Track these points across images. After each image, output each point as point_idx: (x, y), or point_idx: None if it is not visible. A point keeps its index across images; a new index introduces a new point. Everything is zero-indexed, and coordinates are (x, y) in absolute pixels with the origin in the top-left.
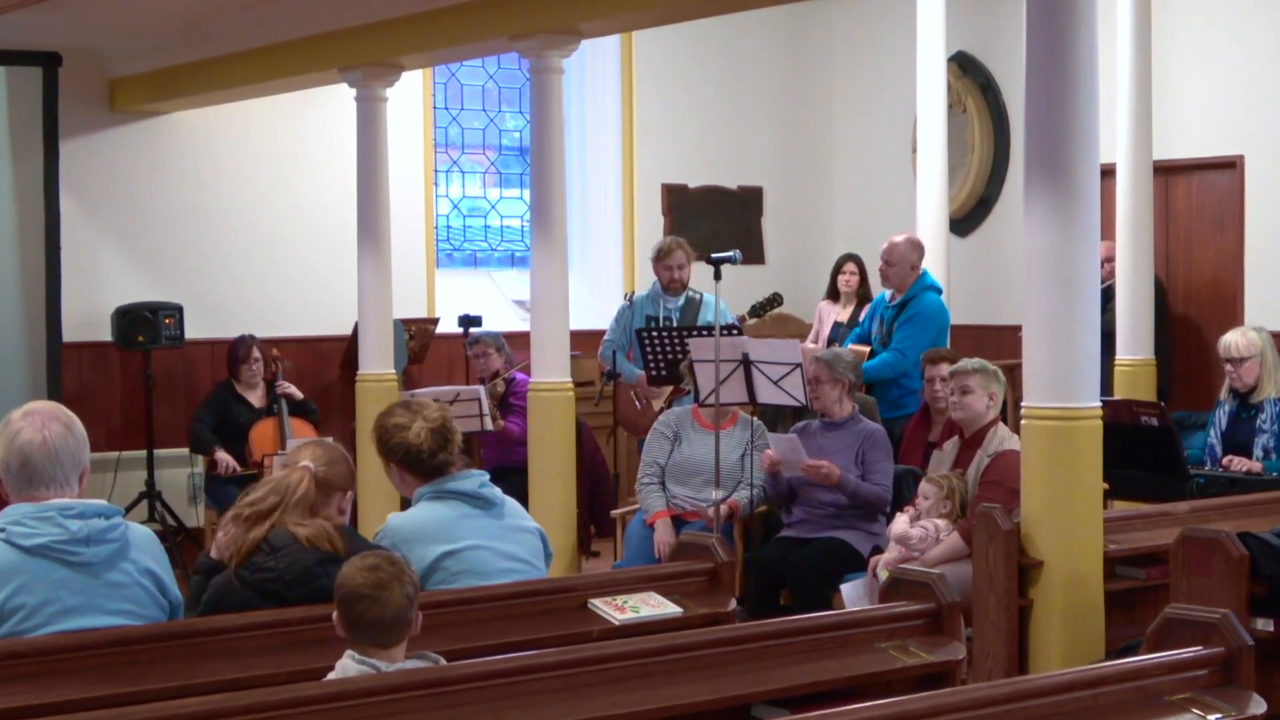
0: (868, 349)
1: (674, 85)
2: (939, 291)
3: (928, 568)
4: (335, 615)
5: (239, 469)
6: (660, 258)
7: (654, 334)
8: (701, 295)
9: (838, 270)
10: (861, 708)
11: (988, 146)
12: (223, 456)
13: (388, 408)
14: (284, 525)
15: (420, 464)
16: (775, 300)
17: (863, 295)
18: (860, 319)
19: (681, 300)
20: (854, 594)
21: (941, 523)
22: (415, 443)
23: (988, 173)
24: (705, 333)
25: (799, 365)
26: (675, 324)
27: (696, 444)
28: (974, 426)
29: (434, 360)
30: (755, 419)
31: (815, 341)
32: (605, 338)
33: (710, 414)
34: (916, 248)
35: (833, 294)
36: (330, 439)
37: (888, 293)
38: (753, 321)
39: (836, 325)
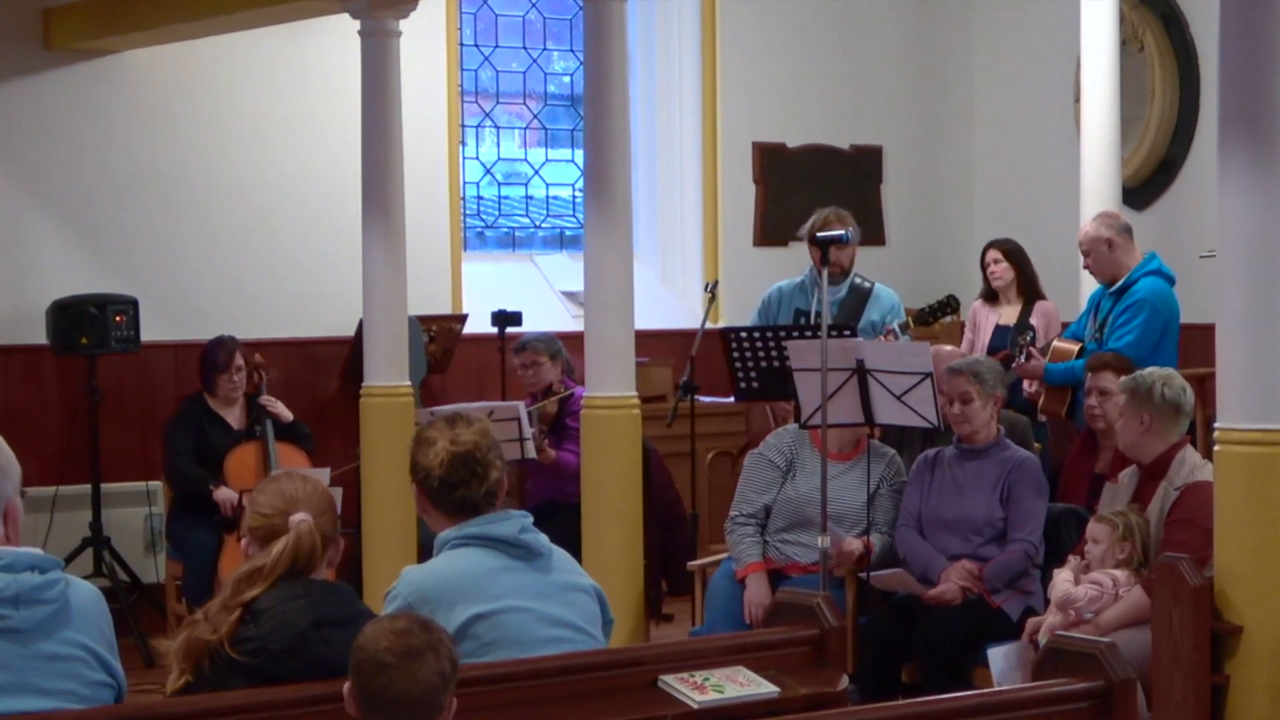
0: (1077, 347)
1: (769, 17)
2: (1171, 281)
3: (1104, 632)
4: (347, 687)
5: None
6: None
7: (742, 335)
8: (873, 285)
9: (983, 264)
10: None
11: (1171, 95)
12: (224, 495)
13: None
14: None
15: (435, 495)
16: (950, 305)
17: (1027, 289)
18: (1030, 318)
19: (843, 290)
20: (1005, 663)
21: (1120, 574)
22: (429, 466)
23: (1171, 128)
24: (809, 334)
25: (929, 375)
26: (832, 319)
27: (817, 476)
28: (1146, 455)
29: (460, 368)
30: (884, 445)
31: (972, 352)
32: None
33: (834, 437)
34: (1106, 223)
35: (989, 294)
36: (326, 470)
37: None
38: (910, 334)
39: (1001, 330)
